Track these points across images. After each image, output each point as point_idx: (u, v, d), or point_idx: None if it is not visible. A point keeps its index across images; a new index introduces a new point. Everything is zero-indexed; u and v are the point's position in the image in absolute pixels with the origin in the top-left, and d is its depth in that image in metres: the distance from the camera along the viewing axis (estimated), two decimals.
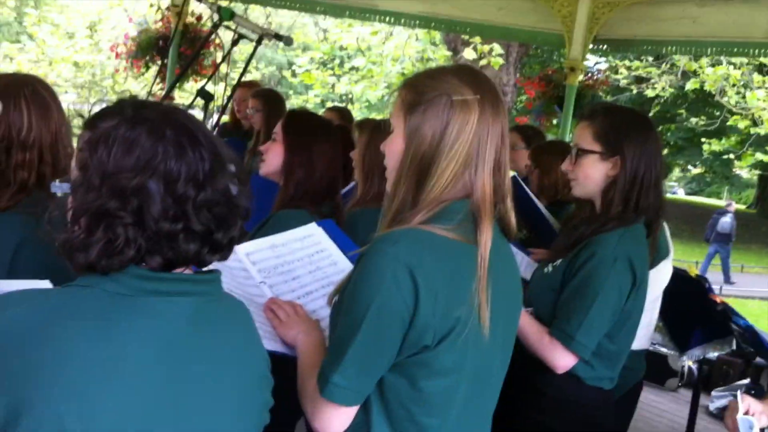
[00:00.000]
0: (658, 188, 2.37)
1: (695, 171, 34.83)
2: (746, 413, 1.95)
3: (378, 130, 2.76)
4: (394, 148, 1.61)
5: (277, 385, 1.43)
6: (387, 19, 7.03)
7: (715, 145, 17.21)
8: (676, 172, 37.99)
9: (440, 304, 1.47)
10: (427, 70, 1.69)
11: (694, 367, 6.79)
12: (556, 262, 2.34)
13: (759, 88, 11.72)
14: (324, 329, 1.73)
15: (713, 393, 6.59)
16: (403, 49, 14.83)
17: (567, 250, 2.33)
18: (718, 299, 3.44)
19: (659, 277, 2.81)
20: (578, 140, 2.41)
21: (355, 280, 1.51)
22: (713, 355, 7.07)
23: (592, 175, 2.37)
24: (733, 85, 12.01)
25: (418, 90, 1.59)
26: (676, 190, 41.10)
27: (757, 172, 27.45)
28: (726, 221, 18.38)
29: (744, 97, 12.36)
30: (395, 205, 1.57)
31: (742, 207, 37.22)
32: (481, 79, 1.62)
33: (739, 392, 1.98)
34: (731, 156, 19.63)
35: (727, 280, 17.89)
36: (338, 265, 2.03)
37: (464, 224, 1.53)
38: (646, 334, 2.86)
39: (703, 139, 17.22)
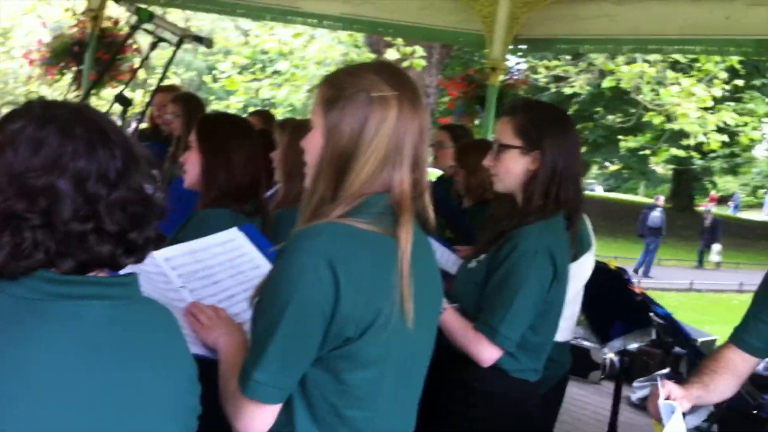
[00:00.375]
0: (577, 182, 2.43)
1: (613, 168, 35.76)
2: (667, 398, 2.01)
3: (299, 129, 2.75)
4: (313, 144, 1.61)
5: (206, 392, 1.41)
6: (309, 21, 7.02)
7: (632, 142, 17.74)
8: (595, 170, 38.97)
9: (362, 296, 1.48)
10: (346, 67, 1.70)
11: (615, 359, 6.96)
12: (480, 257, 2.38)
13: (673, 84, 12.11)
14: (247, 332, 1.72)
15: (635, 384, 6.78)
16: (326, 52, 14.81)
17: (490, 245, 2.37)
18: (637, 290, 3.53)
19: (582, 270, 2.89)
20: (499, 135, 2.46)
21: (274, 276, 1.51)
22: (633, 346, 7.27)
23: (513, 169, 2.41)
24: (648, 83, 12.37)
25: (337, 86, 1.59)
26: (594, 187, 42.11)
27: (672, 166, 28.34)
28: (656, 215, 19.21)
29: (658, 94, 12.74)
30: (314, 201, 1.58)
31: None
32: (400, 75, 1.63)
33: (659, 379, 2.03)
34: (647, 152, 20.25)
35: (647, 272, 18.45)
36: (260, 268, 2.02)
37: (384, 217, 1.54)
38: (570, 326, 2.93)
39: (619, 136, 17.72)
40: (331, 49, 14.69)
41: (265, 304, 1.51)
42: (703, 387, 2.22)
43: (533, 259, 2.28)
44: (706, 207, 20.03)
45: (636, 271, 18.31)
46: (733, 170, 27.97)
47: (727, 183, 41.74)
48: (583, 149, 26.76)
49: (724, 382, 2.28)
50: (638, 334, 3.66)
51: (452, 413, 2.35)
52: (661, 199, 20.55)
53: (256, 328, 1.54)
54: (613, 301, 3.66)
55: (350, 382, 1.53)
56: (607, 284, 3.59)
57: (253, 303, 1.59)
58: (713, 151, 15.90)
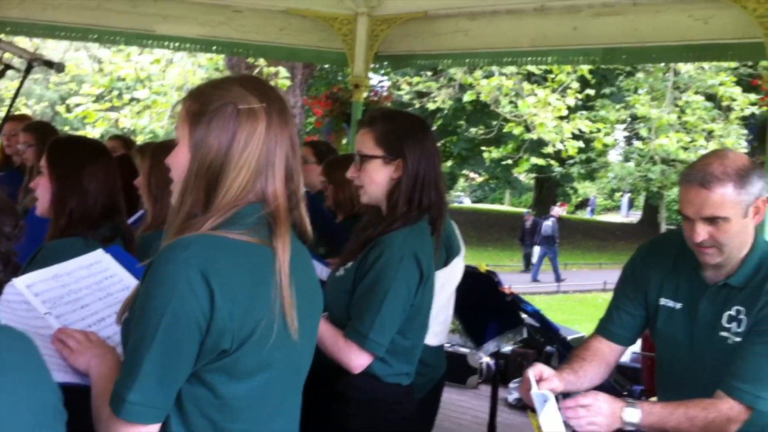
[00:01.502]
0: (438, 186, 2.49)
1: (479, 179, 36.78)
2: (539, 380, 2.06)
3: (160, 150, 2.67)
4: (179, 160, 1.57)
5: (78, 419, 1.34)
6: (165, 44, 6.86)
7: (495, 153, 18.36)
8: (462, 182, 39.98)
9: (238, 307, 1.44)
10: (211, 81, 1.67)
11: (491, 362, 7.13)
12: (347, 265, 2.39)
13: (529, 95, 12.60)
14: (121, 354, 1.65)
15: (510, 385, 6.97)
16: (186, 77, 14.54)
17: (357, 253, 2.39)
18: (507, 290, 3.64)
19: (453, 274, 2.94)
20: (360, 147, 2.49)
21: (145, 291, 1.46)
22: (508, 349, 7.48)
23: (377, 179, 2.44)
24: (506, 95, 12.82)
25: (203, 100, 1.56)
26: (462, 199, 43.23)
27: (534, 175, 29.39)
28: (548, 225, 20.14)
29: (516, 105, 13.22)
30: (181, 215, 1.54)
31: (523, 209, 39.74)
32: (266, 88, 1.62)
33: (530, 369, 2.09)
34: (510, 162, 20.98)
35: (558, 278, 19.43)
36: (131, 288, 1.96)
37: (259, 228, 1.52)
38: (443, 330, 2.97)
39: (483, 148, 18.28)
40: (192, 74, 14.44)
41: (137, 319, 1.46)
42: (573, 373, 2.31)
43: (400, 264, 2.31)
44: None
45: (534, 279, 19.39)
46: (590, 176, 29.29)
47: (586, 188, 43.71)
48: (449, 162, 27.50)
49: (593, 369, 2.39)
50: (511, 333, 3.76)
51: (328, 423, 2.34)
52: (556, 210, 22.07)
53: (127, 346, 1.48)
54: (486, 304, 3.76)
55: (229, 396, 1.49)
56: (479, 288, 3.69)
57: (121, 319, 1.53)
58: (571, 157, 16.64)
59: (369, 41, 6.09)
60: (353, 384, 2.34)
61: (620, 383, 4.08)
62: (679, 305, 2.36)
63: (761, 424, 2.31)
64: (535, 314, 3.60)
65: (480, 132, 16.17)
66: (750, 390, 2.14)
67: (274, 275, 1.50)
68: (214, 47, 6.80)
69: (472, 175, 36.83)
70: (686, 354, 2.34)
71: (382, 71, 16.53)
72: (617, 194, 43.81)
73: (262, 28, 6.38)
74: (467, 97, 13.25)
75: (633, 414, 2.08)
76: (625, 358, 6.80)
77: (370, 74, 6.46)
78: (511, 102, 13.25)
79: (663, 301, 2.39)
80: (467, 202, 43.18)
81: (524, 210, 23.39)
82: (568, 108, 12.86)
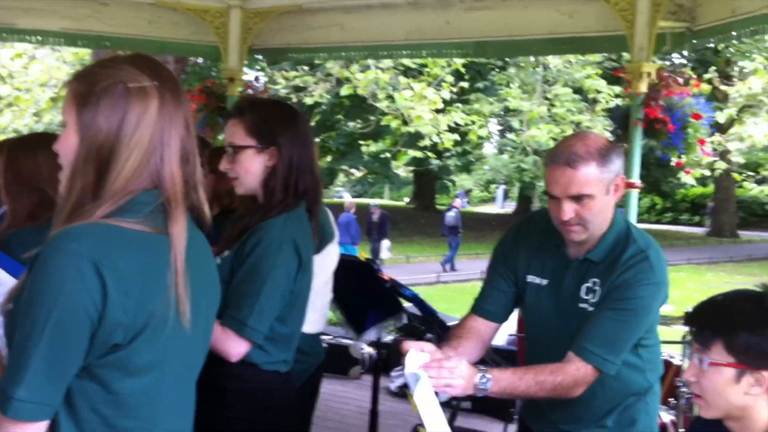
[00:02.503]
0: (313, 172, 2.50)
1: (358, 174, 36.96)
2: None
3: (18, 145, 2.54)
4: (68, 144, 1.49)
5: None
6: (28, 38, 6.57)
7: (373, 147, 18.51)
8: (341, 177, 40.10)
9: (132, 299, 1.40)
10: (99, 60, 1.59)
11: (373, 352, 7.20)
12: (224, 254, 2.37)
13: (405, 89, 12.77)
14: (3, 349, 1.57)
15: (392, 374, 7.02)
16: (50, 73, 13.95)
17: (233, 241, 2.37)
18: (386, 277, 3.69)
19: (327, 261, 2.96)
20: (231, 138, 2.46)
21: (33, 283, 1.39)
22: (389, 339, 7.58)
23: (251, 169, 2.43)
24: (383, 89, 12.96)
25: (90, 80, 1.49)
26: (342, 194, 43.31)
27: (412, 168, 29.84)
28: (451, 215, 20.47)
29: (393, 99, 13.38)
30: (71, 202, 1.46)
31: (403, 203, 40.30)
32: (158, 66, 1.55)
33: (412, 348, 2.12)
34: (388, 155, 21.24)
35: (452, 268, 19.77)
36: (6, 284, 1.87)
37: (154, 215, 1.47)
38: (320, 318, 2.98)
39: (361, 142, 18.41)
40: (56, 69, 13.86)
41: (24, 313, 1.39)
42: (453, 351, 2.37)
43: (279, 250, 2.30)
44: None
45: (443, 266, 19.67)
46: (467, 168, 29.99)
47: (463, 181, 44.67)
48: (328, 158, 27.53)
49: (470, 346, 2.46)
50: (391, 321, 3.82)
51: (206, 415, 2.30)
52: (458, 201, 22.34)
53: (13, 341, 1.41)
54: (365, 292, 3.79)
55: (122, 391, 1.44)
56: (358, 276, 3.72)
57: (4, 311, 1.46)
58: (447, 150, 17.01)
59: (242, 34, 6.02)
60: (229, 374, 2.31)
61: (496, 362, 4.19)
62: (545, 281, 2.46)
63: (631, 392, 2.45)
64: (414, 299, 3.67)
65: (358, 126, 16.27)
66: (598, 352, 2.26)
67: (170, 266, 1.45)
68: (80, 41, 6.57)
69: (351, 170, 37.00)
70: (552, 328, 2.44)
71: (258, 66, 16.37)
72: (492, 186, 45.05)
73: (130, 21, 6.19)
74: (344, 91, 13.31)
75: (485, 380, 2.15)
76: (501, 341, 7.02)
77: (246, 69, 6.40)
78: (388, 96, 13.39)
79: (530, 278, 2.49)
80: (347, 197, 43.32)
81: (405, 201, 23.74)
82: (444, 101, 13.12)
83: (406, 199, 23.99)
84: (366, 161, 27.27)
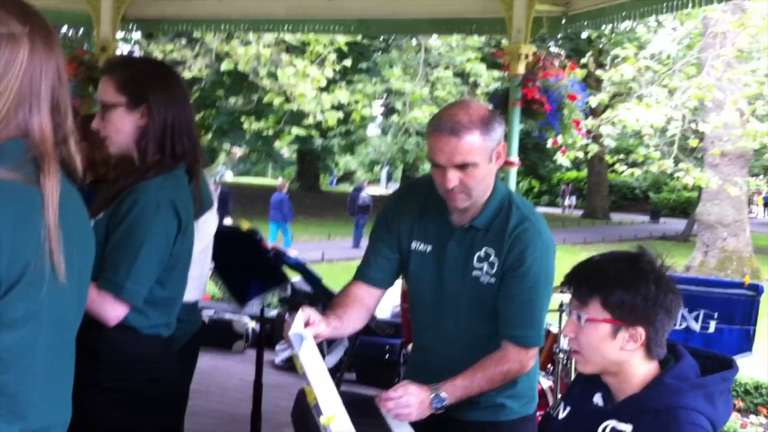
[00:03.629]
0: (191, 133, 2.43)
1: (240, 152, 36.45)
2: (307, 325, 2.10)
3: None
4: None
5: None
6: None
7: (256, 125, 18.23)
8: (223, 156, 39.43)
9: (5, 250, 1.33)
10: None
11: (256, 327, 7.15)
12: (99, 216, 2.29)
13: (288, 66, 12.65)
14: None
15: (276, 347, 7.04)
16: None
17: (109, 203, 2.29)
18: (269, 245, 3.66)
19: (205, 228, 2.90)
20: (102, 96, 2.38)
21: None
22: (274, 313, 7.56)
23: (122, 127, 2.36)
24: (265, 65, 12.80)
25: None
26: (224, 173, 42.65)
27: (296, 147, 29.60)
28: (364, 196, 20.55)
29: (276, 77, 13.23)
30: None
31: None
32: (30, 11, 1.47)
33: (299, 312, 2.11)
34: (270, 134, 20.99)
35: (357, 244, 19.64)
36: None
37: (24, 165, 1.40)
38: (197, 286, 2.93)
39: (243, 120, 18.09)
40: None
41: None
42: (338, 319, 2.38)
43: (156, 212, 2.24)
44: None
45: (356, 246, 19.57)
46: (350, 149, 30.06)
47: (347, 162, 44.80)
48: (209, 136, 26.95)
49: (355, 313, 2.47)
50: (275, 291, 3.79)
51: (83, 380, 2.23)
52: (366, 182, 22.33)
53: None
54: (248, 262, 3.75)
55: None
56: (241, 246, 3.68)
57: None
58: (331, 129, 16.98)
59: (115, 3, 5.82)
60: (106, 339, 2.24)
61: (384, 329, 4.25)
62: (429, 248, 2.48)
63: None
64: (298, 266, 3.66)
65: (240, 103, 16.02)
66: (527, 333, 2.35)
67: (42, 218, 1.38)
68: None
69: (233, 150, 36.42)
70: (436, 294, 2.48)
71: (132, 41, 15.81)
72: (377, 167, 45.40)
73: None
74: (225, 66, 13.07)
75: (440, 399, 2.24)
76: (386, 314, 7.12)
77: (121, 43, 6.19)
78: (270, 74, 13.24)
79: (414, 245, 2.50)
80: (229, 176, 42.66)
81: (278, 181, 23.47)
82: (327, 80, 13.09)
83: (281, 179, 23.67)
84: (248, 140, 26.88)
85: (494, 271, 2.38)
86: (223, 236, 3.17)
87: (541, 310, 2.41)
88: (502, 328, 2.40)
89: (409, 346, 2.85)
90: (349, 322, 2.43)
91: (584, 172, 36.01)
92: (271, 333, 7.30)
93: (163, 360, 2.40)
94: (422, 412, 2.20)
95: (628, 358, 1.86)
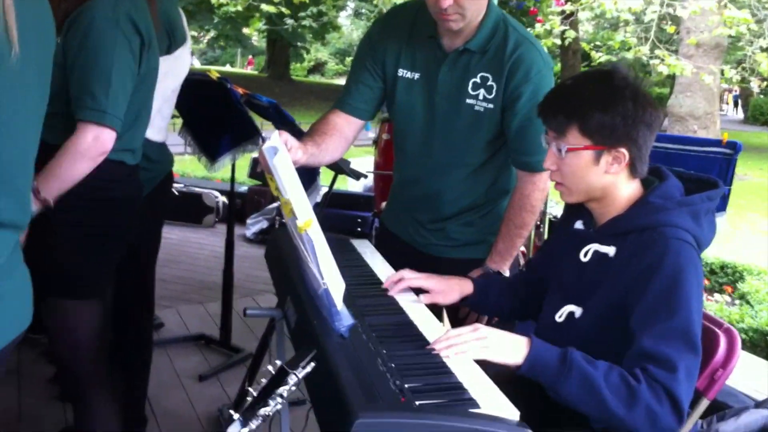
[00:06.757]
0: None
1: (207, 37, 35.40)
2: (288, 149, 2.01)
3: None
4: None
5: None
6: None
7: (228, 5, 17.52)
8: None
9: None
10: None
11: (226, 201, 7.09)
12: None
13: None
14: None
15: (248, 221, 7.00)
16: None
17: (59, 26, 2.15)
18: (240, 90, 3.52)
19: (178, 65, 2.78)
20: None
21: None
22: (244, 189, 7.49)
23: None
24: None
25: None
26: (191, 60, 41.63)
27: (266, 29, 28.71)
28: None
29: None
30: None
31: (255, 72, 39.32)
32: None
33: (275, 133, 2.02)
34: (240, 9, 20.27)
35: None
36: None
37: None
38: (165, 127, 2.83)
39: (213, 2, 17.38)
40: None
41: None
42: (316, 146, 2.30)
43: (116, 27, 2.11)
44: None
45: None
46: (321, 34, 29.34)
47: (318, 52, 43.97)
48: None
49: (334, 142, 2.38)
50: (247, 145, 3.69)
51: (59, 215, 2.14)
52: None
53: None
54: (218, 115, 3.62)
55: None
56: (210, 97, 3.54)
57: None
58: (303, 5, 16.40)
59: None
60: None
61: (356, 174, 4.15)
62: (417, 75, 2.38)
63: (501, 189, 2.49)
64: (271, 105, 3.52)
65: None
66: (540, 158, 2.11)
67: None
68: None
69: (200, 36, 35.39)
70: (426, 122, 2.38)
71: None
72: (348, 58, 44.64)
73: None
74: None
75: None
76: (359, 187, 7.08)
77: None
78: None
79: (401, 72, 2.40)
80: (197, 64, 41.65)
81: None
82: None
83: (250, 68, 22.98)
84: (216, 23, 26.09)
85: (492, 96, 2.29)
86: (191, 86, 3.03)
87: (539, 135, 2.33)
88: (516, 156, 2.34)
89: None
90: (327, 150, 2.34)
91: (558, 66, 35.74)
92: (242, 208, 7.26)
93: (126, 183, 2.32)
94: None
95: (612, 180, 1.80)
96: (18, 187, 1.43)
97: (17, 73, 1.34)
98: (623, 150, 1.76)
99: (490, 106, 2.30)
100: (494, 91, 2.29)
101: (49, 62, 1.52)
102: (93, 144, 2.09)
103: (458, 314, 2.41)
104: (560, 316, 1.86)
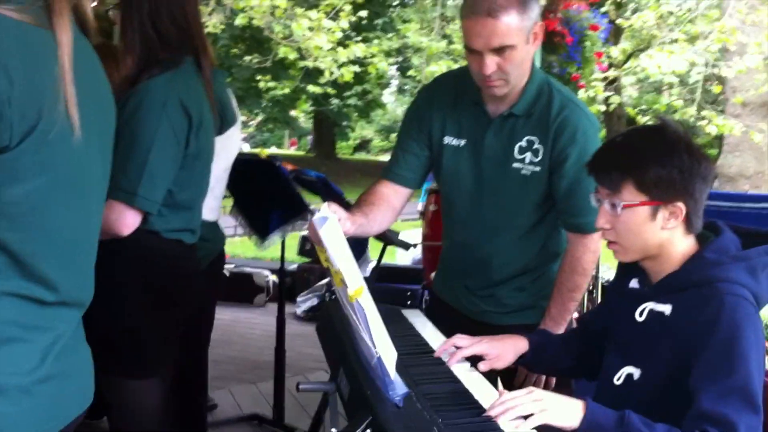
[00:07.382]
0: (185, 17, 2.30)
1: (256, 122, 36.09)
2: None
3: None
4: None
5: None
6: None
7: (272, 86, 17.93)
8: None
9: (17, 96, 1.22)
10: None
11: (276, 280, 7.11)
12: None
13: (302, 18, 12.45)
14: None
15: (298, 299, 7.01)
16: None
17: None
18: (290, 166, 3.57)
19: (229, 144, 2.84)
20: None
21: None
22: (294, 267, 7.53)
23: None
24: (280, 18, 12.61)
25: None
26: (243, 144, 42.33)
27: (313, 109, 29.18)
28: None
29: (291, 32, 13.03)
30: None
31: (303, 153, 39.92)
32: None
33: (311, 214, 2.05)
34: (286, 95, 20.65)
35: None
36: None
37: (34, 8, 1.28)
38: (219, 206, 2.88)
39: (259, 78, 17.77)
40: None
41: None
42: (364, 216, 2.31)
43: (163, 110, 2.14)
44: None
45: None
46: (366, 112, 29.75)
47: (363, 130, 44.51)
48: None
49: (381, 213, 2.39)
50: (296, 222, 3.73)
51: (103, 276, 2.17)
52: None
53: None
54: (267, 193, 3.68)
55: (5, 200, 1.25)
56: (260, 176, 3.60)
57: None
58: (347, 85, 16.74)
59: None
60: (127, 239, 2.15)
61: (404, 243, 4.15)
62: (463, 141, 2.38)
63: (551, 253, 2.46)
64: (320, 179, 3.57)
65: (255, 60, 15.82)
66: (590, 219, 2.11)
67: (56, 63, 1.27)
68: None
69: (249, 121, 36.12)
70: (474, 187, 2.38)
71: None
72: (393, 135, 45.07)
73: None
74: (239, 21, 12.95)
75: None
76: (407, 260, 7.06)
77: None
78: (285, 27, 13.05)
79: (447, 140, 2.41)
80: (246, 148, 42.41)
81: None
82: (342, 31, 12.94)
83: (293, 148, 23.38)
84: (264, 106, 26.63)
85: (539, 159, 2.28)
86: (241, 166, 3.10)
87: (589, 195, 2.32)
88: (566, 218, 2.32)
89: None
90: (375, 220, 2.35)
91: (603, 132, 35.68)
92: (292, 286, 7.28)
93: (185, 260, 2.33)
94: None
95: (669, 237, 1.76)
96: (81, 266, 1.45)
97: (80, 153, 1.36)
98: (680, 204, 1.73)
99: (537, 169, 2.29)
100: (541, 153, 2.28)
101: (110, 139, 1.54)
102: (113, 224, 2.10)
103: (513, 381, 2.37)
104: (618, 378, 1.81)
